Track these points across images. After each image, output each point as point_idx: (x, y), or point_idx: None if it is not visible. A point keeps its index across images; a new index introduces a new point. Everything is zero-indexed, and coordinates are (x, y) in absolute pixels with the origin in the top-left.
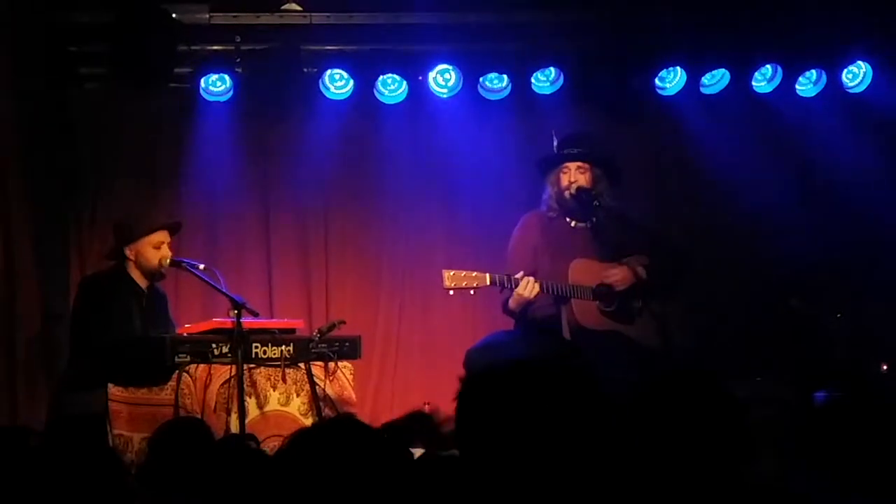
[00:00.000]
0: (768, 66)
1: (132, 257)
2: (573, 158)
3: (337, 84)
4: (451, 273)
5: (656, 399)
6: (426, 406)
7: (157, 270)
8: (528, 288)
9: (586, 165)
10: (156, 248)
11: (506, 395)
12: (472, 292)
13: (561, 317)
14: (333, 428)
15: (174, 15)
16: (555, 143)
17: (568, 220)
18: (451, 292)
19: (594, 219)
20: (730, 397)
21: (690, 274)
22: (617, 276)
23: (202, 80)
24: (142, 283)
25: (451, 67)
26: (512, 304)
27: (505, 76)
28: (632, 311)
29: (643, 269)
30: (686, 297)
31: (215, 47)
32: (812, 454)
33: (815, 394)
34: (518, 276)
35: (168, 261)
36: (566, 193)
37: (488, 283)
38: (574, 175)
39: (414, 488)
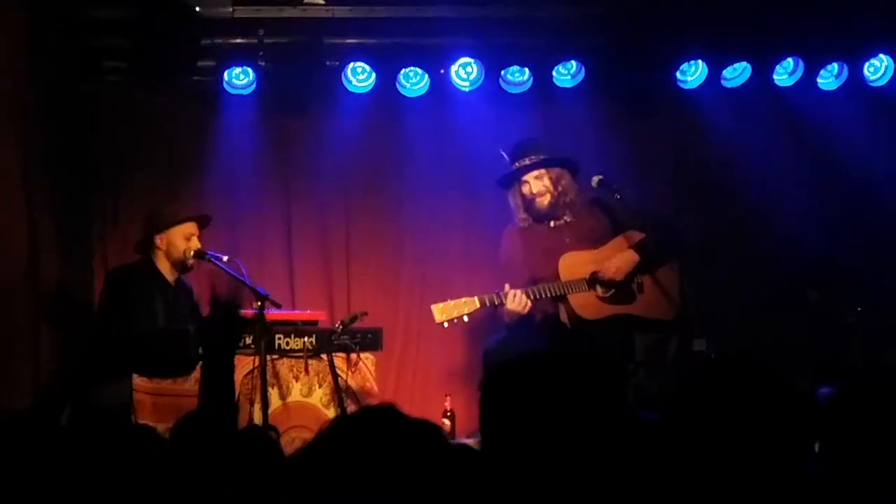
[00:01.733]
0: (790, 59)
1: (162, 247)
2: (528, 170)
3: (359, 77)
4: (440, 306)
5: (706, 388)
6: (447, 398)
7: (184, 262)
8: (516, 302)
9: (542, 171)
10: (186, 239)
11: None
12: (465, 319)
13: (560, 315)
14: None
15: (197, 9)
16: (507, 159)
17: (546, 222)
18: (446, 325)
19: (618, 196)
20: (789, 388)
21: (690, 246)
22: (613, 267)
23: (225, 74)
24: (170, 276)
25: (472, 61)
26: (507, 318)
27: (526, 69)
28: (631, 289)
29: (636, 250)
30: (701, 282)
31: (238, 41)
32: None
33: (820, 390)
34: (504, 290)
35: (192, 252)
36: (537, 202)
37: (478, 305)
38: (534, 184)
39: (452, 479)
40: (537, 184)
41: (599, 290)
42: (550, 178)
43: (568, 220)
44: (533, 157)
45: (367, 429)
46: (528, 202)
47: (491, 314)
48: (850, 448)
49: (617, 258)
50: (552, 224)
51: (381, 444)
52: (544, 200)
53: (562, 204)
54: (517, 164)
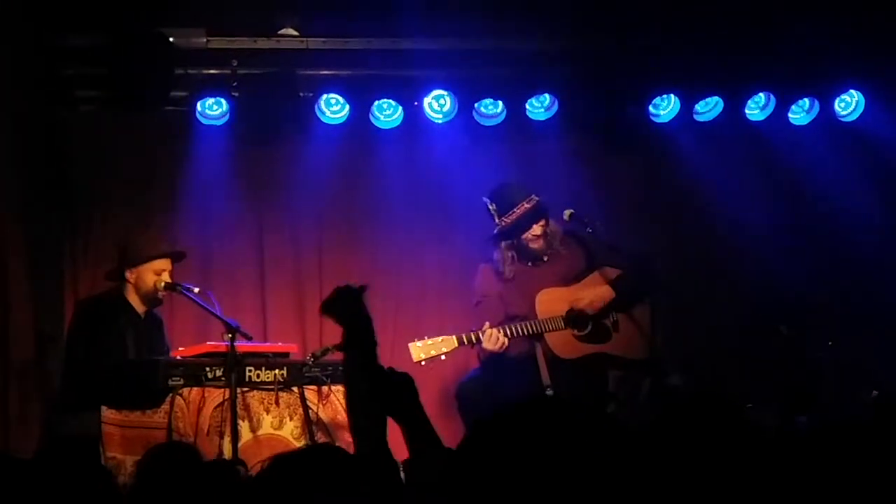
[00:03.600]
0: (761, 94)
1: (132, 280)
2: (538, 219)
3: (333, 108)
4: (419, 344)
5: (674, 426)
6: None
7: (155, 295)
8: (493, 341)
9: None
10: (157, 275)
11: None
12: (443, 357)
13: (535, 353)
14: (313, 455)
15: (171, 39)
16: (490, 207)
17: (525, 261)
18: (423, 363)
19: (590, 230)
20: (749, 424)
21: (664, 283)
22: (585, 299)
23: (198, 104)
24: (139, 308)
25: (446, 93)
26: (483, 356)
27: (500, 102)
28: (607, 327)
29: (611, 287)
30: (672, 315)
31: (212, 71)
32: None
33: (797, 418)
34: (484, 328)
35: (163, 284)
36: (531, 246)
37: (456, 345)
38: (533, 229)
39: None
40: (536, 228)
41: (575, 329)
42: (546, 219)
43: (546, 258)
44: (526, 204)
45: (304, 467)
46: (522, 247)
47: (465, 351)
48: (825, 480)
49: (590, 291)
50: (530, 263)
51: (318, 483)
52: (539, 243)
53: (551, 245)
54: (524, 204)
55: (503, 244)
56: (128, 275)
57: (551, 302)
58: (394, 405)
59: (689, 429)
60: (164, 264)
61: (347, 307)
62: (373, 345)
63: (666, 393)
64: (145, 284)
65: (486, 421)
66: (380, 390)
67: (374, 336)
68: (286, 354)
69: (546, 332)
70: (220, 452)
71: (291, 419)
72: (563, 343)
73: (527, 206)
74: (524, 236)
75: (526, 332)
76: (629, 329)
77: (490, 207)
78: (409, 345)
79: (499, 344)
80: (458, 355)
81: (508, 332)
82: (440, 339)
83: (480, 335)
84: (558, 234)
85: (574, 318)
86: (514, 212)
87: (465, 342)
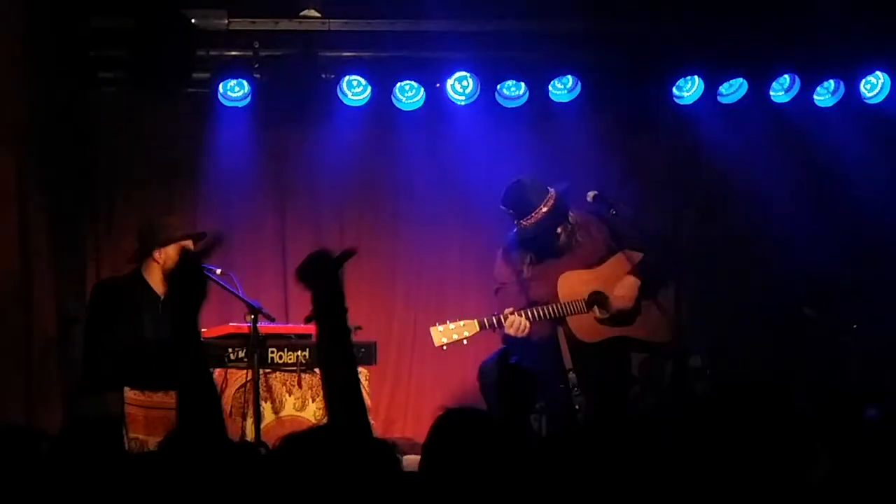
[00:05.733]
0: (786, 75)
1: (160, 260)
2: (563, 219)
3: (354, 90)
4: (440, 329)
5: (714, 411)
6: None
7: None
8: (515, 327)
9: None
10: None
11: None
12: (464, 342)
13: (558, 338)
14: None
15: (193, 20)
16: (508, 213)
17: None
18: (445, 348)
19: (614, 211)
20: (792, 409)
21: (687, 265)
22: (620, 299)
23: (220, 86)
24: (159, 289)
25: (468, 75)
26: (505, 342)
27: (522, 84)
28: (630, 311)
29: (636, 273)
30: (696, 298)
31: (233, 53)
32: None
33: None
34: (507, 312)
35: None
36: (556, 241)
37: (478, 329)
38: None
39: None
40: (559, 227)
41: (598, 311)
42: (566, 216)
43: (567, 249)
44: (544, 207)
45: (316, 446)
46: (546, 245)
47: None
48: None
49: (621, 287)
50: (553, 256)
51: (328, 462)
52: (563, 238)
53: (573, 237)
54: (542, 208)
55: (522, 247)
56: (156, 254)
57: (573, 285)
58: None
59: (738, 418)
60: (190, 245)
61: (319, 275)
62: (343, 312)
63: (689, 376)
64: (172, 263)
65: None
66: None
67: (343, 305)
68: (308, 336)
69: (568, 314)
70: (243, 434)
71: (314, 401)
72: (585, 326)
73: (545, 209)
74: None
75: (547, 316)
76: (652, 312)
77: (507, 213)
78: (431, 329)
79: (521, 329)
80: (481, 339)
81: (530, 316)
82: (462, 323)
83: (502, 319)
84: (579, 225)
85: (596, 301)
86: (532, 216)
87: (487, 326)
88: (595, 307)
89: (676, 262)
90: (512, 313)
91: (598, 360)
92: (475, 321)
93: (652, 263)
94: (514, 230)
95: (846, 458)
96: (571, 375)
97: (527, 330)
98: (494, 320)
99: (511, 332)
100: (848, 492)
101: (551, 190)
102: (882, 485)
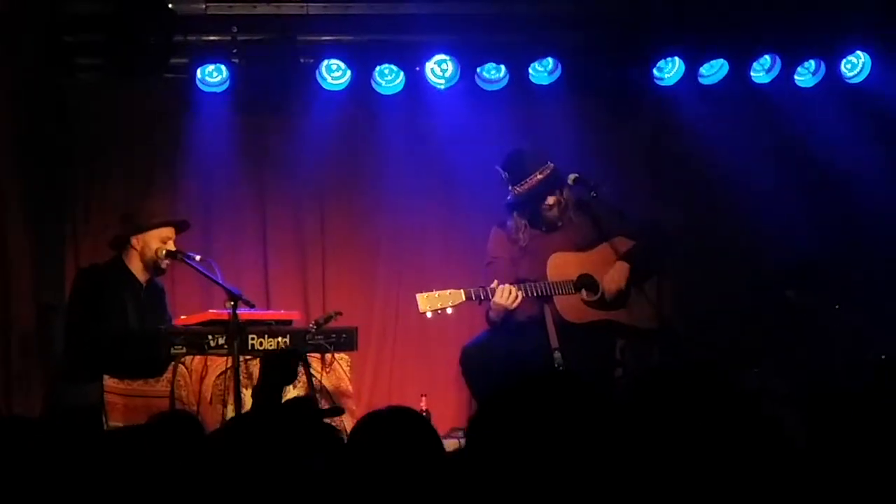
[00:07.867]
0: (767, 56)
1: (137, 247)
2: (558, 186)
3: (334, 74)
4: (425, 296)
5: (659, 393)
6: (423, 398)
7: (157, 263)
8: (506, 296)
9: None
10: (162, 242)
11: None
12: (449, 311)
13: (545, 316)
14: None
15: (170, 5)
16: (503, 175)
17: (540, 227)
18: (429, 315)
19: (594, 194)
20: (736, 390)
21: (676, 253)
22: (612, 286)
23: (198, 71)
24: (141, 276)
25: (448, 58)
26: (492, 314)
27: (502, 66)
28: (619, 296)
29: (626, 260)
30: (679, 281)
31: (212, 38)
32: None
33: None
34: (493, 285)
35: (165, 252)
36: (547, 214)
37: (464, 298)
38: (549, 198)
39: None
40: (550, 199)
41: (585, 293)
42: (561, 189)
43: (560, 224)
44: (540, 175)
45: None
46: (536, 214)
47: (469, 317)
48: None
49: (612, 273)
50: (543, 229)
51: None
52: (553, 212)
53: (566, 213)
54: (537, 175)
55: (516, 213)
56: (133, 241)
57: (563, 266)
58: None
59: (682, 399)
60: (169, 233)
61: (279, 370)
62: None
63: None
64: (150, 251)
65: (494, 397)
66: None
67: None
68: (289, 322)
69: (555, 294)
70: (224, 420)
71: (294, 387)
72: (571, 307)
73: (540, 176)
74: (544, 205)
75: (536, 294)
76: (640, 299)
77: (503, 176)
78: (417, 295)
79: (512, 298)
80: (464, 321)
81: (523, 291)
82: (447, 292)
83: (489, 292)
84: (572, 203)
85: (584, 284)
86: (526, 182)
87: (474, 297)
88: (583, 290)
89: (665, 250)
90: (499, 286)
91: (583, 342)
92: (461, 291)
93: (641, 251)
94: (509, 197)
95: (824, 431)
96: (557, 354)
97: (518, 299)
98: (482, 292)
99: (501, 300)
100: (826, 461)
101: (551, 163)
102: (859, 455)
